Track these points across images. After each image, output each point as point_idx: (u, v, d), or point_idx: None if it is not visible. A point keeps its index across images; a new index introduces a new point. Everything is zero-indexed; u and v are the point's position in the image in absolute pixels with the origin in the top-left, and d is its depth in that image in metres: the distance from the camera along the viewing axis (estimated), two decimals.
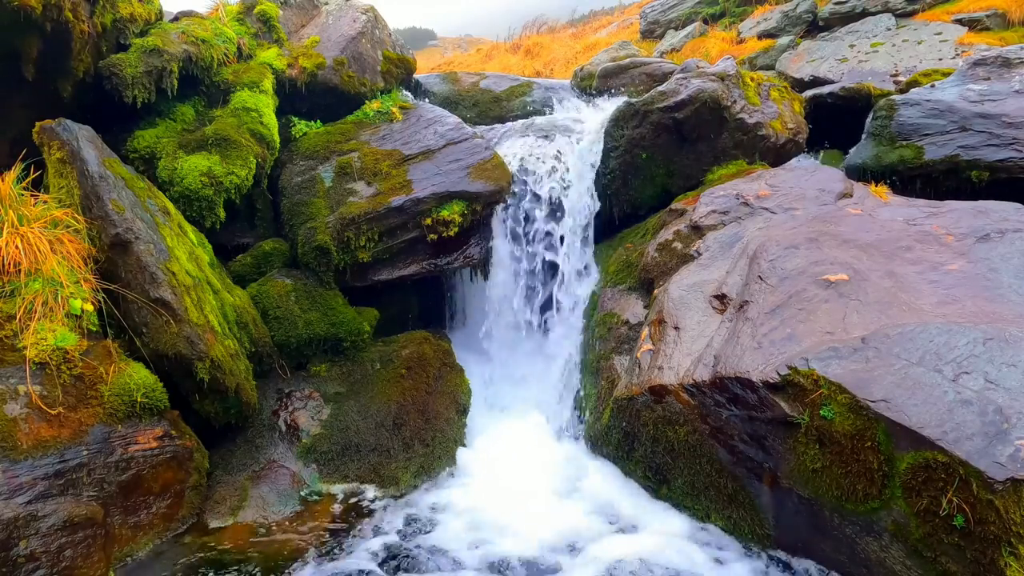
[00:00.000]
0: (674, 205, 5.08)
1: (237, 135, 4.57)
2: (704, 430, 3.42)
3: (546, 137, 5.64)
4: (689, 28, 12.08)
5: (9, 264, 3.30)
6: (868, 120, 5.24)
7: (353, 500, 3.89)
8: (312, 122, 5.41)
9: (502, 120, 6.61)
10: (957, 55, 7.57)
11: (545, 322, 5.24)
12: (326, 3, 6.30)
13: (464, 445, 4.44)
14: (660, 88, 5.36)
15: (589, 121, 5.84)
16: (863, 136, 5.26)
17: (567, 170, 5.34)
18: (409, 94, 6.33)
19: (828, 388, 2.85)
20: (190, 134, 4.57)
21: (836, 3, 9.65)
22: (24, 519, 2.78)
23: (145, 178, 4.19)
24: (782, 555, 3.18)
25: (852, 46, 8.56)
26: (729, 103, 5.25)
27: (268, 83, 5.06)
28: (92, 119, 3.99)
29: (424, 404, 4.40)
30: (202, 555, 3.35)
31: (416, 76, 6.83)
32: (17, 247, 3.32)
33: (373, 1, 6.30)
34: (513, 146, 5.52)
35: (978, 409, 2.54)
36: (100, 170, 3.66)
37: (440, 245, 4.81)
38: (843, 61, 8.21)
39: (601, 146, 5.40)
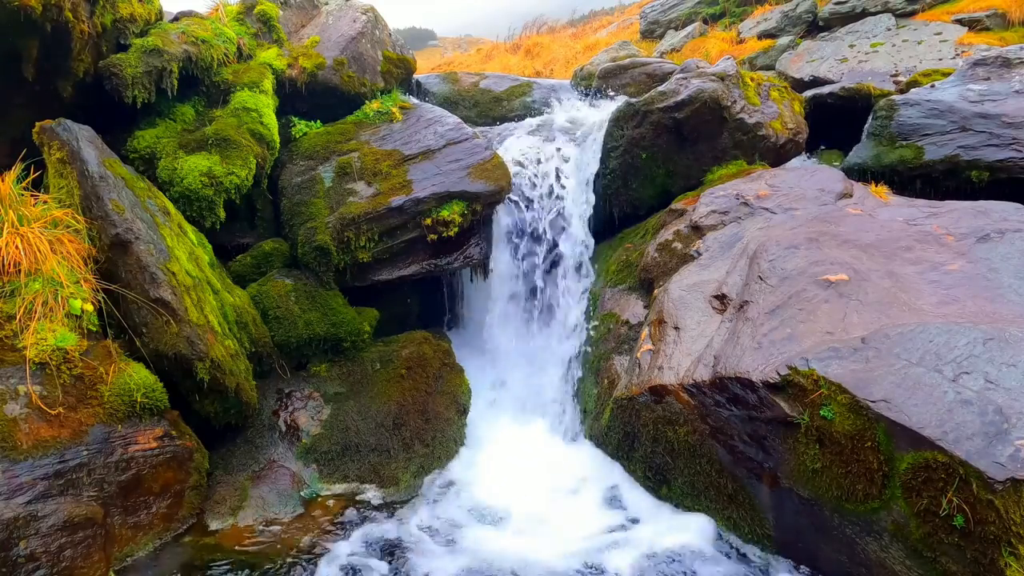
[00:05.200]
0: (674, 205, 5.08)
1: (237, 135, 4.57)
2: (704, 430, 3.42)
3: (546, 137, 5.64)
4: (689, 28, 12.07)
5: (9, 264, 3.30)
6: (868, 120, 5.24)
7: (353, 500, 3.89)
8: (312, 122, 5.41)
9: (502, 120, 6.61)
10: (957, 55, 7.56)
11: (546, 322, 5.24)
12: (326, 3, 6.30)
13: (464, 445, 4.44)
14: (660, 88, 5.36)
15: (589, 121, 5.84)
16: (863, 136, 5.25)
17: (566, 171, 5.34)
18: (410, 96, 6.33)
19: (828, 388, 2.85)
20: (190, 134, 4.57)
21: (836, 3, 9.64)
22: (24, 519, 2.78)
23: (145, 178, 4.19)
24: (782, 555, 3.18)
25: (852, 46, 8.55)
26: (729, 103, 5.25)
27: (268, 83, 5.05)
28: (92, 119, 3.99)
29: (424, 404, 4.40)
30: (202, 555, 3.35)
31: (416, 76, 6.83)
32: (17, 247, 3.32)
33: (373, 1, 6.31)
34: (513, 146, 5.52)
35: (978, 409, 2.54)
36: (100, 170, 3.66)
37: (440, 245, 4.81)
38: (843, 61, 8.21)
39: (601, 146, 5.40)
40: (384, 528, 3.63)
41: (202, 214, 4.40)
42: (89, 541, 2.94)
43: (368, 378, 4.47)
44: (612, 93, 6.86)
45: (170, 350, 3.49)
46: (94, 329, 3.43)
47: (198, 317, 3.65)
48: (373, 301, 4.81)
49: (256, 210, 4.92)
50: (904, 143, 4.86)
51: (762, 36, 10.29)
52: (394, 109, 5.54)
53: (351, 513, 3.76)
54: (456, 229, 4.74)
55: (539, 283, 5.25)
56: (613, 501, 3.80)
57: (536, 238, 5.25)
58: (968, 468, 2.41)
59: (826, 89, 6.70)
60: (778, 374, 3.01)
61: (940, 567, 2.57)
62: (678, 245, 4.58)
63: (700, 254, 4.36)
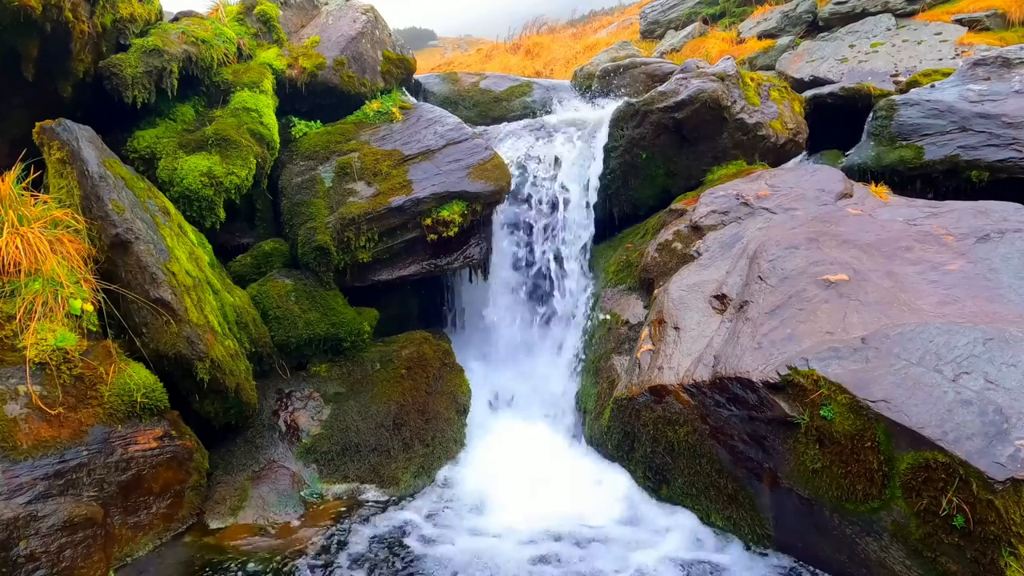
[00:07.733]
0: (674, 205, 5.08)
1: (237, 135, 4.57)
2: (704, 430, 3.42)
3: (545, 138, 5.64)
4: (689, 28, 12.08)
5: (9, 264, 3.30)
6: (868, 120, 5.24)
7: (353, 500, 3.89)
8: (312, 122, 5.41)
9: (503, 120, 6.61)
10: (957, 55, 7.57)
11: (546, 322, 5.24)
12: (326, 3, 6.30)
13: (464, 445, 4.44)
14: (660, 88, 5.36)
15: (589, 121, 5.84)
16: (863, 136, 5.26)
17: (566, 171, 5.34)
18: (410, 96, 6.33)
19: (828, 388, 2.85)
20: (190, 134, 4.57)
21: (836, 3, 9.65)
22: (24, 519, 2.78)
23: (145, 178, 4.19)
24: (782, 555, 3.18)
25: (852, 46, 8.55)
26: (729, 103, 5.25)
27: (268, 83, 5.05)
28: (92, 119, 3.99)
29: (424, 404, 4.40)
30: (202, 555, 3.35)
31: (416, 76, 6.83)
32: (17, 247, 3.31)
33: (373, 1, 6.31)
34: (513, 146, 5.52)
35: (978, 409, 2.54)
36: (100, 170, 3.66)
37: (440, 245, 4.81)
38: (843, 61, 8.21)
39: (601, 147, 5.40)
40: (384, 528, 3.63)
41: (202, 214, 4.39)
42: (89, 541, 2.94)
43: (368, 378, 4.47)
44: (612, 93, 6.86)
45: (170, 350, 3.49)
46: (94, 329, 3.43)
47: (198, 317, 3.65)
48: (373, 301, 4.81)
49: (256, 210, 4.92)
50: (904, 143, 4.86)
51: (762, 36, 10.30)
52: (394, 109, 5.54)
53: (351, 513, 3.76)
54: (456, 229, 4.74)
55: (539, 283, 5.25)
56: (612, 501, 3.80)
57: (536, 238, 5.25)
58: (968, 468, 2.41)
59: (826, 89, 6.70)
60: (778, 374, 3.01)
61: (940, 567, 2.57)
62: (678, 245, 4.58)
63: (700, 254, 4.36)
